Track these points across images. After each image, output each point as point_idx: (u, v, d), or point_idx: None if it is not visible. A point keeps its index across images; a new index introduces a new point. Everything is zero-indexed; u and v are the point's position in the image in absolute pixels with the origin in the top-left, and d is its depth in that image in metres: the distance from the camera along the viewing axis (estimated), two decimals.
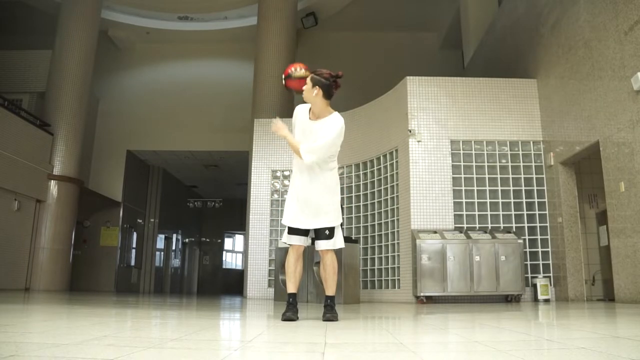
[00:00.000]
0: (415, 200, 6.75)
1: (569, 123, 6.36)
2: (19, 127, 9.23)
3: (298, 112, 3.26)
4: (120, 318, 3.30)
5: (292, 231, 3.18)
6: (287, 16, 10.70)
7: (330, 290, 3.18)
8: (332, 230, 3.16)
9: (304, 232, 3.18)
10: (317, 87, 3.08)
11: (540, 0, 7.20)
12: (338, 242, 3.19)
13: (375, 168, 7.72)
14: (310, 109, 3.20)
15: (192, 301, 7.26)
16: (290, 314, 3.03)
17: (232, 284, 18.25)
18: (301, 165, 3.16)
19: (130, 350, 1.63)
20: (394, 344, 1.95)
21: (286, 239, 3.24)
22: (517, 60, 7.99)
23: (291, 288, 3.17)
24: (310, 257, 6.48)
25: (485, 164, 7.01)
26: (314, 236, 3.23)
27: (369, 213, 7.74)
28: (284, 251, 7.45)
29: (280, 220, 3.46)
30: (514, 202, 6.91)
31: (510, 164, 7.02)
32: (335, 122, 3.11)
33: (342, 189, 8.17)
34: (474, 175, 6.96)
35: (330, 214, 3.16)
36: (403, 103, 7.18)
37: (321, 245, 3.17)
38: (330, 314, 3.06)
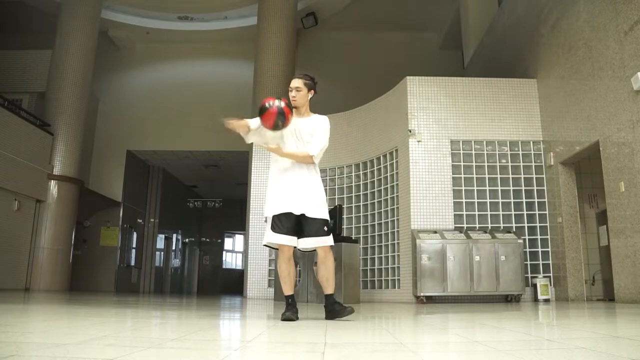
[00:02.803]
0: (415, 200, 6.75)
1: (569, 123, 6.36)
2: (19, 127, 9.23)
3: None
4: (120, 318, 3.30)
5: (279, 229, 3.06)
6: (287, 16, 10.70)
7: (332, 288, 3.18)
8: (328, 224, 3.18)
9: (292, 231, 3.09)
10: (312, 90, 3.31)
11: (540, 0, 7.20)
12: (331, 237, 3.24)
13: (375, 168, 7.72)
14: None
15: (192, 301, 7.26)
16: (289, 314, 3.04)
17: (232, 284, 18.25)
18: (285, 164, 3.19)
19: (130, 350, 1.63)
20: (394, 344, 1.95)
21: (273, 239, 3.07)
22: (517, 60, 7.99)
23: (288, 290, 3.17)
24: (310, 258, 6.48)
25: (485, 164, 7.01)
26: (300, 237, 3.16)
27: (369, 213, 7.74)
28: None
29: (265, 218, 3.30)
30: (514, 202, 6.91)
31: (510, 164, 7.02)
32: (326, 122, 3.32)
33: (342, 189, 8.19)
34: (474, 175, 6.96)
35: (324, 206, 3.20)
36: (403, 103, 7.18)
37: (324, 241, 3.13)
38: (343, 308, 3.06)
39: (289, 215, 3.09)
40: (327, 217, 3.20)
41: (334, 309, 3.09)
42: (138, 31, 13.29)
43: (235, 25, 13.16)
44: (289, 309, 3.08)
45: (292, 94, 3.27)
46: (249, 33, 12.24)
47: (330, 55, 13.11)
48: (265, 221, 3.20)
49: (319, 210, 3.16)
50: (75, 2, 10.85)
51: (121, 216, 12.96)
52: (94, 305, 4.83)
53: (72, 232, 10.45)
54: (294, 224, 3.11)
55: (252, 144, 9.83)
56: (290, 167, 3.19)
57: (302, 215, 3.11)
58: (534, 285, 6.44)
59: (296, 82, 3.28)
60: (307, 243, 3.13)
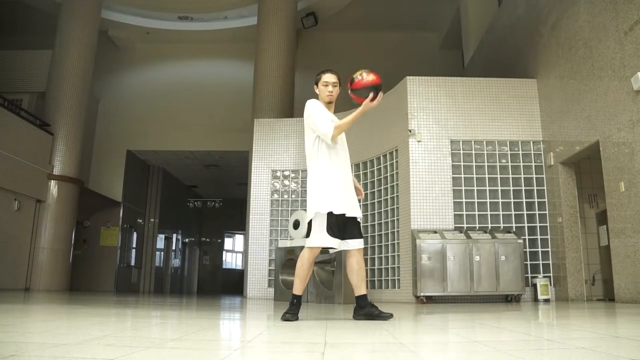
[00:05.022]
0: (415, 200, 6.75)
1: (569, 123, 6.36)
2: (19, 127, 9.24)
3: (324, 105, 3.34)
4: (120, 318, 3.30)
5: (333, 232, 3.03)
6: (287, 16, 10.70)
7: (365, 288, 3.18)
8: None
9: (342, 235, 3.10)
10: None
11: (540, 0, 7.20)
12: None
13: (375, 168, 7.72)
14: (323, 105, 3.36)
15: (192, 301, 7.26)
16: (289, 315, 3.03)
17: (232, 284, 18.25)
18: (343, 161, 3.21)
19: (130, 350, 1.63)
20: (394, 344, 1.95)
21: (329, 242, 3.02)
22: (517, 60, 7.99)
23: (300, 290, 3.15)
24: None
25: (485, 164, 7.01)
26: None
27: (368, 213, 7.74)
28: (284, 251, 7.46)
29: (318, 211, 3.09)
30: (514, 202, 6.90)
31: (510, 164, 7.02)
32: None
33: None
34: (474, 175, 6.96)
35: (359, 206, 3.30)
36: (403, 103, 7.17)
37: (358, 244, 3.15)
38: (381, 311, 3.07)
39: (341, 217, 3.08)
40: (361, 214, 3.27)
41: (372, 312, 3.08)
42: (138, 31, 13.30)
43: (235, 25, 13.16)
44: (292, 310, 3.07)
45: (328, 88, 3.24)
46: (249, 33, 12.24)
47: (330, 55, 13.10)
48: (309, 222, 3.06)
49: (359, 210, 3.22)
50: (75, 2, 10.86)
51: (121, 216, 12.97)
52: (94, 305, 4.83)
53: (72, 232, 10.45)
54: (342, 226, 3.10)
55: (251, 143, 9.79)
56: (345, 165, 3.23)
57: (349, 217, 3.14)
58: (534, 285, 6.44)
59: (335, 78, 3.28)
60: (354, 244, 3.13)
